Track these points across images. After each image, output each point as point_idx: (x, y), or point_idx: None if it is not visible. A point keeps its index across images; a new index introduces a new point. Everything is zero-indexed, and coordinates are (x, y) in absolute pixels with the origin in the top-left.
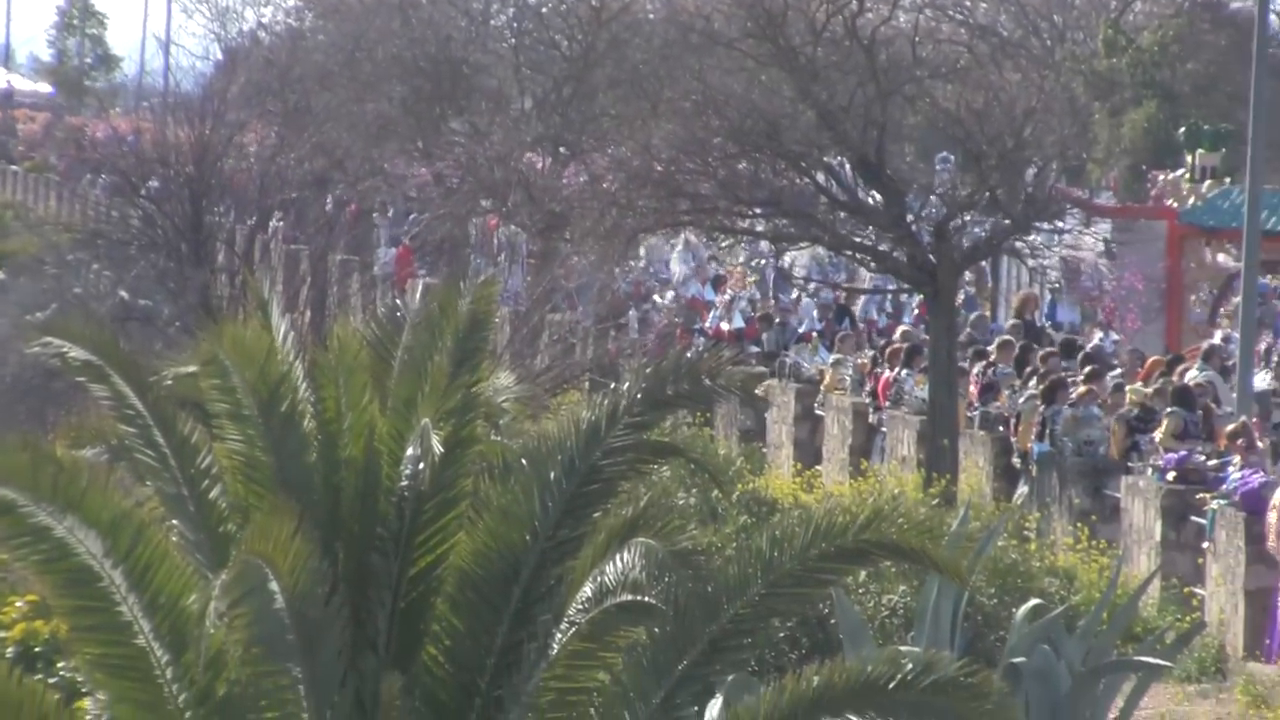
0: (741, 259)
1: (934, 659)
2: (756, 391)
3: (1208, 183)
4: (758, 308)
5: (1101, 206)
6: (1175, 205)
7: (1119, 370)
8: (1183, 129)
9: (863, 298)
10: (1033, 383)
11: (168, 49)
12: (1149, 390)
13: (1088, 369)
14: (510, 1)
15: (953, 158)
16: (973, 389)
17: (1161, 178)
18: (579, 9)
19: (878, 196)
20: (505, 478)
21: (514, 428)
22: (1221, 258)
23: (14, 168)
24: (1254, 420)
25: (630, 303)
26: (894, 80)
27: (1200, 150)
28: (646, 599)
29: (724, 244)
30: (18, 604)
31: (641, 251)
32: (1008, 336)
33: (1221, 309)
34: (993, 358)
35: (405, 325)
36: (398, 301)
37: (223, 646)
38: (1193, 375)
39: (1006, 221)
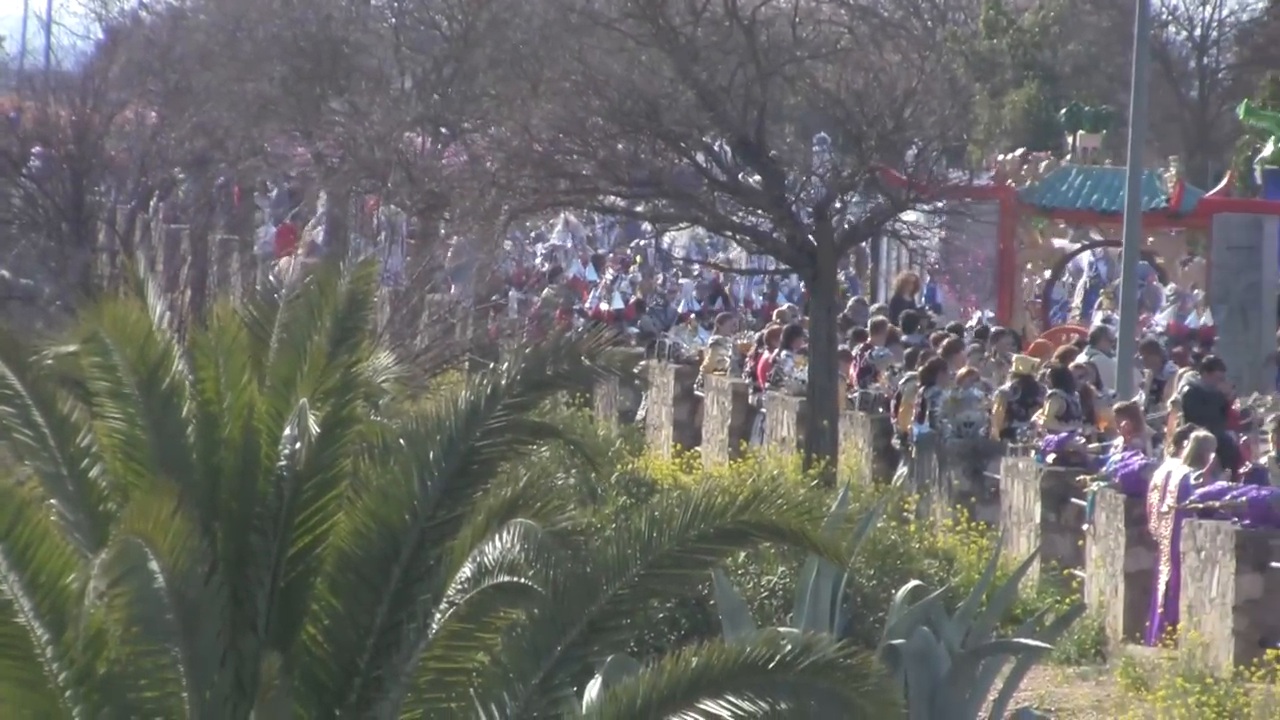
0: (614, 237)
1: (813, 640)
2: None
3: (1044, 163)
4: (637, 288)
5: (935, 187)
6: (1014, 185)
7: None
8: (1064, 110)
9: (737, 278)
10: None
11: (49, 28)
12: (1038, 360)
13: (945, 342)
14: None
15: (829, 138)
16: (852, 371)
17: (1002, 158)
18: None
19: (758, 177)
20: (385, 458)
21: (393, 408)
22: (1055, 238)
23: None
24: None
25: (509, 283)
26: (774, 61)
27: (1081, 131)
28: (525, 580)
29: (601, 224)
30: None
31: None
32: (881, 318)
33: (1101, 292)
34: (869, 339)
35: (283, 304)
36: (273, 279)
37: (102, 626)
38: (1081, 358)
39: (886, 202)
